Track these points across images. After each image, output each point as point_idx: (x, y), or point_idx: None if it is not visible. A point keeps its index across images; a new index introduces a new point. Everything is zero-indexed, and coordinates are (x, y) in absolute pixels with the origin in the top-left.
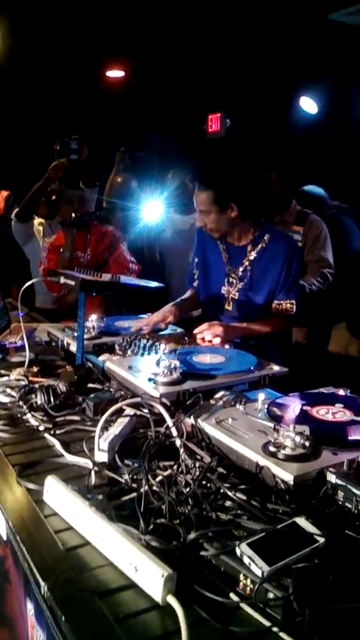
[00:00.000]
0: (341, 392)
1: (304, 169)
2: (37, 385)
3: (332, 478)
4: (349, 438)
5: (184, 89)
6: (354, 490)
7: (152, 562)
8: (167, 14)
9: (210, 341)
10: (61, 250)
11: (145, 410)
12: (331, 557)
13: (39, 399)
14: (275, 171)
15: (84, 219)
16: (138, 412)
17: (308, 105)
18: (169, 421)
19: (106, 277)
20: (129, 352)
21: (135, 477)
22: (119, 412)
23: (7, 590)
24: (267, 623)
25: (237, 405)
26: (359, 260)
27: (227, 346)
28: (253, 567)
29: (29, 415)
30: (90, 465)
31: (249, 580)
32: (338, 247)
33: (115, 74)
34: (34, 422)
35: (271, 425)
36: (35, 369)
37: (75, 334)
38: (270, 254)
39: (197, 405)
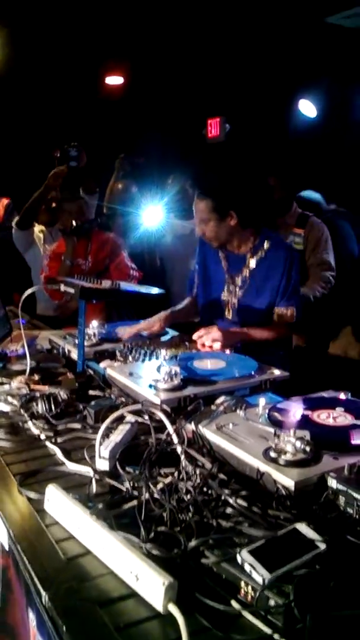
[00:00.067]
0: (342, 395)
1: (303, 172)
2: (38, 394)
3: (333, 483)
4: (353, 442)
5: (183, 94)
6: (354, 495)
7: (153, 571)
8: (166, 20)
9: (210, 346)
10: (62, 257)
11: (146, 417)
12: (332, 563)
13: (39, 407)
14: (274, 176)
15: (84, 226)
16: (139, 419)
17: (307, 108)
18: (170, 428)
19: (106, 284)
20: (130, 358)
21: (136, 484)
22: (120, 419)
23: (10, 600)
24: (268, 630)
25: (238, 411)
26: (355, 263)
27: (227, 351)
28: (254, 575)
29: (30, 424)
30: (91, 473)
31: (250, 588)
32: (334, 251)
33: (114, 80)
34: (35, 431)
35: (272, 430)
36: (36, 377)
37: (77, 341)
38: (270, 262)
39: (197, 411)
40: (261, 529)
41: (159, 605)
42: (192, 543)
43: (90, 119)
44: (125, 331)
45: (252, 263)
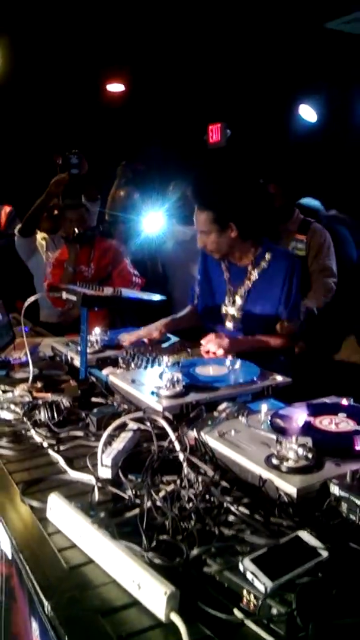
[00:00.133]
0: (344, 401)
1: (303, 178)
2: (40, 402)
3: (335, 490)
4: (357, 448)
5: (184, 101)
6: (357, 501)
7: (155, 580)
8: (166, 26)
9: (214, 353)
10: (65, 265)
11: (148, 425)
12: (335, 570)
13: (42, 415)
14: (274, 183)
15: (87, 234)
16: (141, 426)
17: (307, 113)
18: (172, 435)
19: (108, 291)
20: (133, 365)
21: (138, 492)
22: (122, 427)
23: (13, 609)
24: (270, 639)
25: (240, 417)
26: (354, 268)
27: (229, 357)
28: (256, 583)
29: (32, 432)
30: (93, 481)
31: (252, 596)
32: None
33: (115, 87)
34: (37, 439)
35: (274, 437)
36: (39, 385)
37: (79, 348)
38: (271, 273)
39: (200, 418)
40: (263, 537)
41: (161, 615)
42: (194, 551)
43: (91, 126)
44: (125, 338)
45: (254, 274)
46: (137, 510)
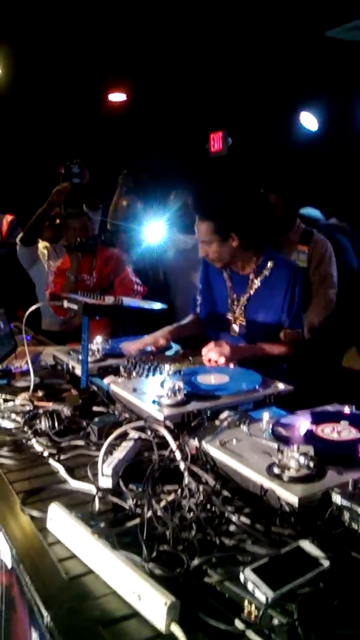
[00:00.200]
0: (347, 409)
1: (305, 187)
2: (41, 411)
3: (337, 499)
4: (359, 457)
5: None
6: (359, 511)
7: (155, 591)
8: (167, 36)
9: (215, 361)
10: (67, 273)
11: (150, 434)
12: (337, 580)
13: (43, 424)
14: (276, 193)
15: (89, 242)
16: (143, 435)
17: (308, 121)
18: (173, 445)
19: (109, 300)
20: (134, 374)
21: (139, 502)
22: (124, 436)
23: (13, 619)
24: None
25: (242, 426)
26: (355, 277)
27: (231, 365)
28: (257, 593)
29: (33, 441)
30: (94, 491)
31: (253, 607)
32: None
33: (117, 97)
34: (38, 448)
35: (275, 446)
36: (40, 393)
37: (80, 357)
38: (273, 281)
39: (201, 427)
40: (265, 547)
41: (161, 625)
42: (195, 562)
43: (93, 136)
44: (130, 346)
45: (256, 283)
46: (137, 520)
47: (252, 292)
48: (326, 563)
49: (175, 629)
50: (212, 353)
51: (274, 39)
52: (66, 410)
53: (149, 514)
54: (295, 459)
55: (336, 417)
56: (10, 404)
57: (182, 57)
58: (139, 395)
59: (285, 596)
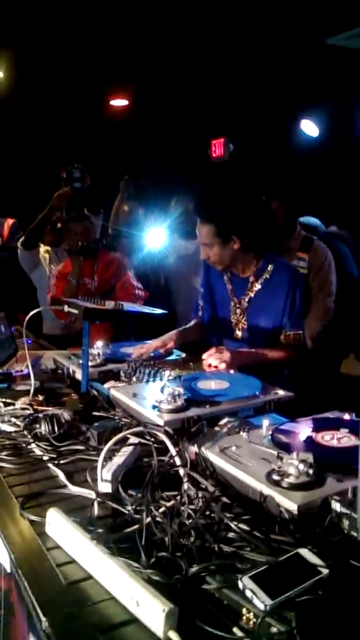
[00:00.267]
0: (346, 416)
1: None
2: (41, 415)
3: (336, 506)
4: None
5: (187, 116)
6: (358, 518)
7: (153, 597)
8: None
9: (216, 367)
10: (69, 277)
11: (149, 439)
12: (336, 588)
13: (42, 428)
14: (277, 199)
15: (90, 247)
16: (142, 441)
17: (309, 128)
18: (172, 450)
19: (110, 304)
20: (134, 379)
21: (138, 508)
22: (123, 441)
23: (12, 624)
24: None
25: (241, 432)
26: (354, 285)
27: (231, 371)
28: (255, 601)
29: (33, 445)
30: (93, 496)
31: (251, 614)
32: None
33: (119, 102)
34: (38, 452)
35: (275, 453)
36: (40, 398)
37: (81, 361)
38: (274, 284)
39: (201, 433)
40: (263, 554)
41: (159, 632)
42: (194, 569)
43: (94, 141)
44: (138, 350)
45: (257, 286)
46: (136, 526)
47: (252, 294)
48: (325, 571)
49: (173, 636)
50: (212, 359)
51: (275, 46)
52: (66, 415)
53: (148, 519)
54: (295, 466)
55: (336, 424)
56: (11, 407)
57: (184, 63)
58: (139, 400)
59: (284, 604)
